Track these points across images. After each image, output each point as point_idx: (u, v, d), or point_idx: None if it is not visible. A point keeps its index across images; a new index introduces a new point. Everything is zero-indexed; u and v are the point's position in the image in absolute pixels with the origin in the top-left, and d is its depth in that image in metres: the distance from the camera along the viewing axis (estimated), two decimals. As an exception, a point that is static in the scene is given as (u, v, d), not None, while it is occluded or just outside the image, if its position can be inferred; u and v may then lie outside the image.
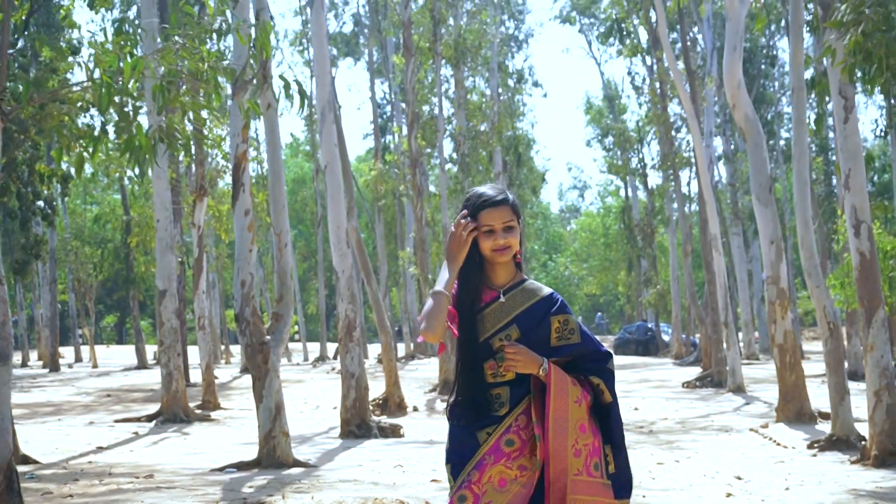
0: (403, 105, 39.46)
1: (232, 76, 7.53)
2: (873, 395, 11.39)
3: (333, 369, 33.28)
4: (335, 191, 16.02)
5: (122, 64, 6.07)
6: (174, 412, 18.05)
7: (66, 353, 46.91)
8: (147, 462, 12.90)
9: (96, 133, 6.30)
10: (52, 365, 35.88)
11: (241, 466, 12.05)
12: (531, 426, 3.76)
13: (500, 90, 39.12)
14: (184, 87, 6.91)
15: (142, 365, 36.62)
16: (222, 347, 43.81)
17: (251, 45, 6.93)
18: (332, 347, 46.11)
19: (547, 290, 3.91)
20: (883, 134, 39.63)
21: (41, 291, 38.98)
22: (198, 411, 19.21)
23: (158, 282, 18.37)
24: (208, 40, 6.76)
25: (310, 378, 29.64)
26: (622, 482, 3.85)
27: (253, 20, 12.35)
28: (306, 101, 7.06)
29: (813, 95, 13.01)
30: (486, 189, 3.89)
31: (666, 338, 46.16)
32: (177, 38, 6.61)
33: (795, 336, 16.47)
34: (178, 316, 18.45)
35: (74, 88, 6.52)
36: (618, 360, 41.13)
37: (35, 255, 25.61)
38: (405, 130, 34.03)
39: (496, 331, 3.82)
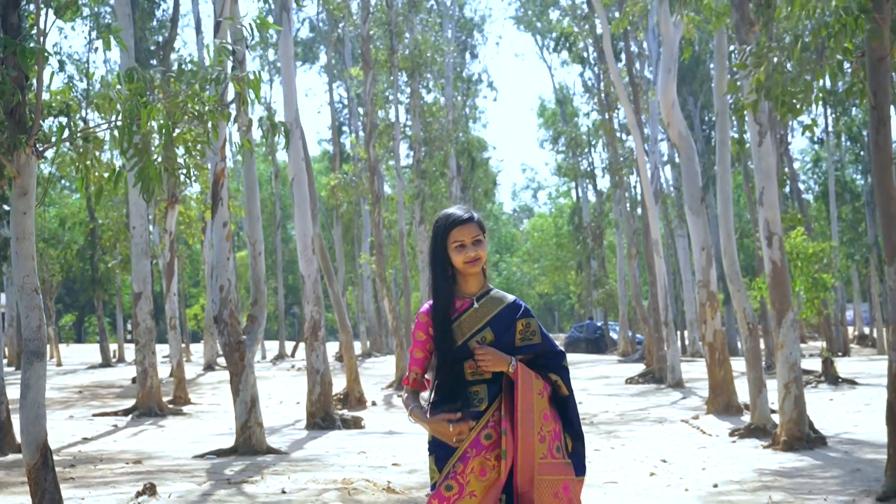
0: (360, 110, 40.59)
1: (227, 118, 8.86)
2: (783, 388, 12.85)
3: (293, 367, 34.35)
4: (301, 202, 17.24)
5: (138, 109, 7.39)
6: (149, 406, 19.18)
7: (28, 351, 47.62)
8: (132, 450, 14.10)
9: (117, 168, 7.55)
10: (18, 363, 36.71)
11: (220, 453, 13.33)
12: (503, 421, 4.25)
13: (454, 93, 40.29)
14: (185, 126, 8.18)
15: (106, 363, 37.54)
16: (182, 345, 44.66)
17: (242, 91, 8.20)
18: (289, 345, 47.20)
19: (511, 297, 4.42)
20: (819, 140, 41.49)
21: (7, 292, 39.74)
22: (170, 406, 20.32)
23: (134, 285, 19.48)
24: (207, 87, 8.02)
25: (272, 375, 30.73)
26: (579, 462, 4.38)
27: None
28: (288, 138, 8.36)
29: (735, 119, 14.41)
30: (454, 210, 4.38)
31: (614, 336, 47.34)
32: (183, 86, 7.89)
33: (725, 335, 17.85)
34: (151, 316, 19.59)
35: (100, 131, 7.78)
36: (567, 357, 42.40)
37: (2, 257, 26.49)
38: (362, 134, 35.10)
39: (472, 334, 4.33)
